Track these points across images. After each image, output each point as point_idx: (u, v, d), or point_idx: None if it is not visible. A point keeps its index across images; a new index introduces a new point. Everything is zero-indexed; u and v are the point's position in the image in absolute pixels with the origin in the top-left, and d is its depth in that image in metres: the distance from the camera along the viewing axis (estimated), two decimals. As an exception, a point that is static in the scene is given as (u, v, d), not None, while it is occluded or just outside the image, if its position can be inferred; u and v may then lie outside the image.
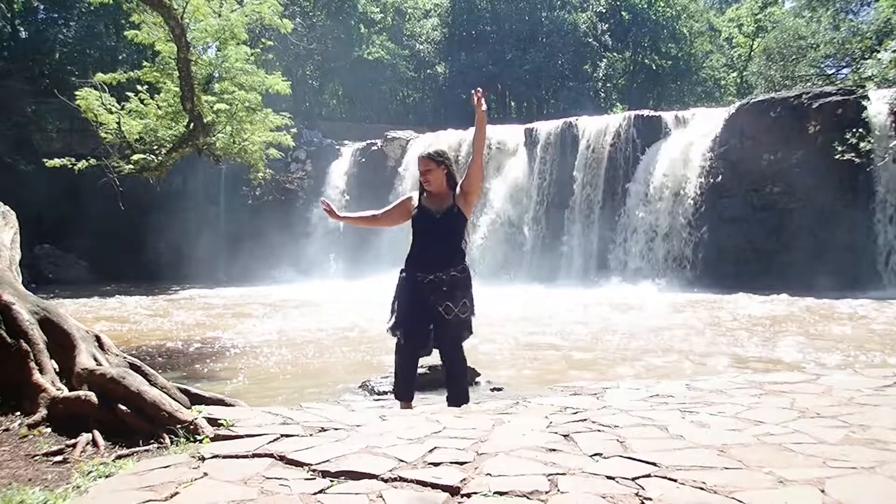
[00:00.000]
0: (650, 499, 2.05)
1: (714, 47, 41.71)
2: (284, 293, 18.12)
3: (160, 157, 9.77)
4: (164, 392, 3.23)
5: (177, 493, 2.19)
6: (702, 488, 2.12)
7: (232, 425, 2.99)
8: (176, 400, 3.21)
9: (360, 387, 6.23)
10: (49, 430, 3.18)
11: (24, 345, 3.55)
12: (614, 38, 38.84)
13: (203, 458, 2.55)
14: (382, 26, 36.24)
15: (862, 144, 14.27)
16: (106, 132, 9.66)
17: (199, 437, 2.88)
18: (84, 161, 9.69)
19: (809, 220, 15.80)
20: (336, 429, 2.98)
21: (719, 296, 14.26)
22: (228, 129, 10.32)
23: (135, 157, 9.59)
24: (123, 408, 3.11)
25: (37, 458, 2.87)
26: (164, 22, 8.88)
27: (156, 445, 2.89)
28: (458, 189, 4.12)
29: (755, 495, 2.06)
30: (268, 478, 2.33)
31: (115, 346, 4.09)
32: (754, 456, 2.45)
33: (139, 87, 10.37)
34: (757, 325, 10.43)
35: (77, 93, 9.79)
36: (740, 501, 2.02)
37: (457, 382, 4.19)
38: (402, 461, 2.46)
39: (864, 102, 15.59)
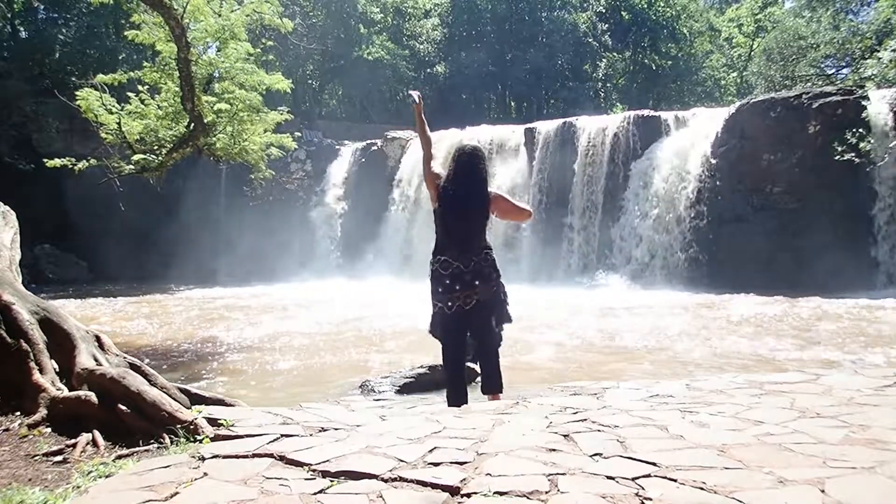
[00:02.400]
0: (650, 499, 2.05)
1: (714, 47, 41.76)
2: (285, 293, 18.13)
3: (160, 158, 9.77)
4: (164, 392, 3.23)
5: (177, 493, 2.19)
6: (702, 488, 2.12)
7: (232, 425, 2.99)
8: (176, 400, 3.21)
9: (360, 387, 6.23)
10: (49, 430, 3.19)
11: (24, 345, 3.55)
12: (614, 38, 38.83)
13: (203, 458, 2.55)
14: (382, 26, 36.20)
15: (862, 144, 14.25)
16: (106, 133, 9.67)
17: (199, 437, 2.88)
18: (84, 161, 9.70)
19: (809, 220, 15.78)
20: (336, 429, 2.98)
21: (719, 296, 14.24)
22: (229, 130, 10.31)
23: (135, 157, 9.60)
24: (123, 408, 3.11)
25: (37, 458, 2.87)
26: (164, 22, 8.88)
27: (156, 445, 2.89)
28: None
29: (755, 495, 2.06)
30: (268, 478, 2.32)
31: (114, 346, 4.09)
32: (754, 456, 2.44)
33: (139, 88, 10.37)
34: (757, 326, 10.43)
35: (77, 93, 9.80)
36: (740, 501, 2.02)
37: None
38: (402, 461, 2.46)
39: (864, 102, 15.56)
